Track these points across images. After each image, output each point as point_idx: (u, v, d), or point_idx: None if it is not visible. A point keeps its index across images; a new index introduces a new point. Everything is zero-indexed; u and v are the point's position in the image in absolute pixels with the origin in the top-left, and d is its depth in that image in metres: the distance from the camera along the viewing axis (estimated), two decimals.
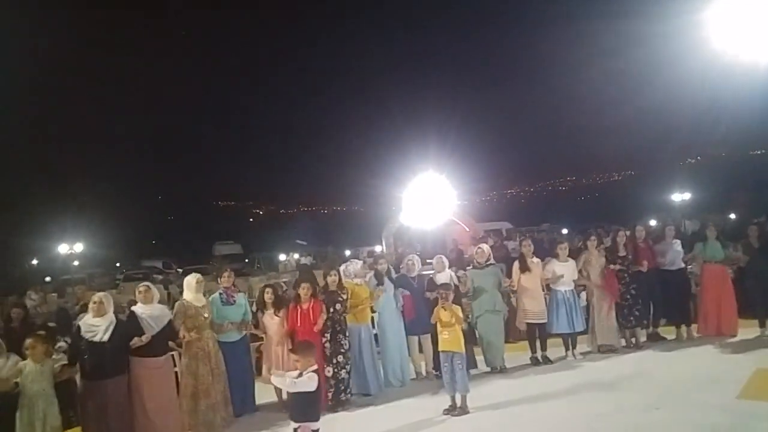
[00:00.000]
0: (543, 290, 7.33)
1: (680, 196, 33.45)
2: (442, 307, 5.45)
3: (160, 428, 5.18)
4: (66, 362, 5.16)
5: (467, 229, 15.97)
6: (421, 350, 6.96)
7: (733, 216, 16.36)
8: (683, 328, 7.74)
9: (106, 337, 4.94)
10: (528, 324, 7.23)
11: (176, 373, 5.96)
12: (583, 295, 7.91)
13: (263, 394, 6.21)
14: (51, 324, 8.63)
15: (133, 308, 5.44)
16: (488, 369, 6.86)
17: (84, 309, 6.57)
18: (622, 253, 7.60)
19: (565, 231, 21.55)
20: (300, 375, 4.06)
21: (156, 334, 5.25)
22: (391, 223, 16.79)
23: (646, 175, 72.64)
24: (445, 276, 7.00)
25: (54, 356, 5.22)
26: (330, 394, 5.84)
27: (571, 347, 7.25)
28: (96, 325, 4.98)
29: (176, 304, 5.98)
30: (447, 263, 7.28)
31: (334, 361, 5.92)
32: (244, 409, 5.91)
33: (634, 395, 5.48)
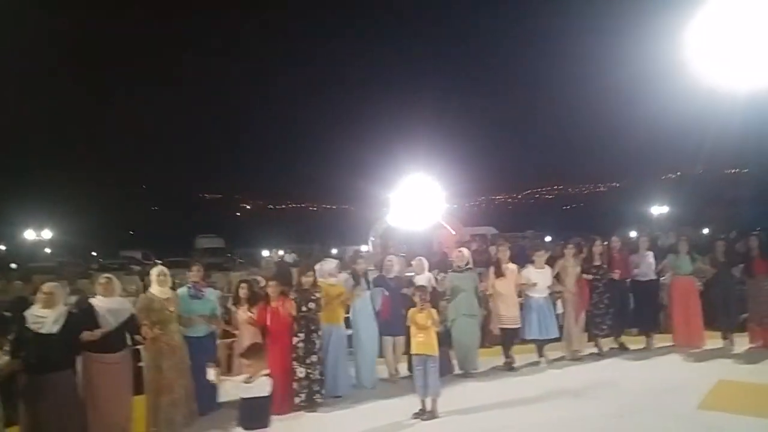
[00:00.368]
0: (518, 296, 7.40)
1: (659, 209, 34.20)
2: (419, 310, 5.50)
3: (111, 426, 5.04)
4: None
5: (453, 233, 16.08)
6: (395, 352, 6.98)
7: (706, 231, 16.77)
8: (652, 336, 7.97)
9: (54, 329, 4.69)
10: (502, 329, 7.33)
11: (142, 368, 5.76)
12: (560, 302, 8.00)
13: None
14: (6, 313, 8.17)
15: (91, 300, 5.23)
16: (461, 372, 6.93)
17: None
18: (597, 262, 7.80)
19: (548, 238, 21.77)
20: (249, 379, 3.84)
21: (114, 328, 5.06)
22: (379, 224, 16.83)
23: (629, 188, 73.81)
24: (424, 278, 7.06)
25: (5, 348, 4.94)
26: (303, 395, 5.81)
27: (543, 353, 7.37)
28: (43, 317, 4.72)
29: (140, 297, 5.84)
30: (427, 265, 7.32)
31: (308, 361, 5.85)
32: (209, 406, 5.70)
33: (600, 403, 5.60)
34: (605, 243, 8.25)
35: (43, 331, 4.67)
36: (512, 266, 7.40)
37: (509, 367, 7.14)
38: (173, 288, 6.00)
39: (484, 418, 5.37)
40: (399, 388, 6.38)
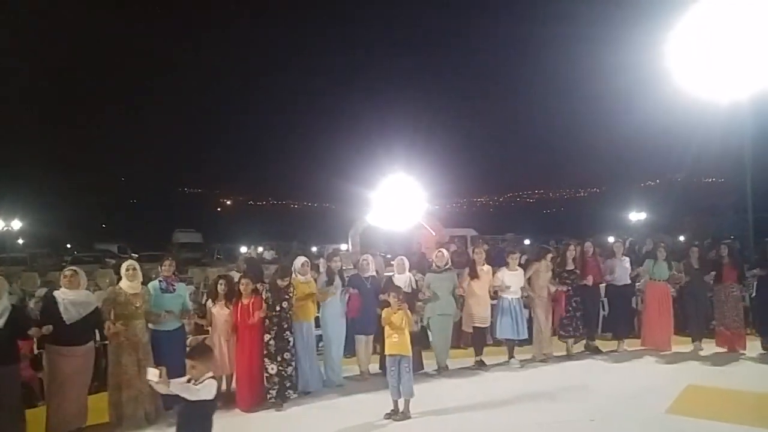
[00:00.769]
0: (491, 297, 7.51)
1: (637, 216, 34.88)
2: (394, 310, 5.45)
3: (71, 419, 5.03)
4: None
5: (433, 234, 16.11)
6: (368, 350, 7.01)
7: (682, 238, 17.13)
8: (623, 340, 8.14)
9: None
10: (474, 327, 7.45)
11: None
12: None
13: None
14: None
15: (54, 293, 5.18)
16: (433, 370, 7.05)
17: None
18: (570, 267, 7.94)
19: (527, 242, 21.96)
20: (190, 382, 3.50)
21: (76, 321, 5.04)
22: (359, 223, 16.80)
23: (609, 194, 75.06)
24: (404, 278, 7.10)
25: None
26: (274, 392, 5.85)
27: (513, 354, 7.48)
28: None
29: (108, 290, 5.79)
30: (407, 265, 7.35)
31: (279, 358, 5.90)
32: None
33: (571, 406, 5.63)
34: (578, 247, 8.37)
35: None
36: (487, 268, 7.55)
37: (480, 365, 7.27)
38: (144, 283, 5.90)
39: (457, 420, 5.36)
40: (371, 387, 6.36)
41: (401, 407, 5.40)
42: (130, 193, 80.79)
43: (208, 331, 6.38)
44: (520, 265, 7.73)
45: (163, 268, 6.05)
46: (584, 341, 8.15)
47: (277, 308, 5.97)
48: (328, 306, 6.66)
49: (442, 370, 7.11)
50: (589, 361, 7.66)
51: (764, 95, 12.34)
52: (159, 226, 43.16)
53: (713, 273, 8.06)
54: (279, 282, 6.08)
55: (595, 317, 8.43)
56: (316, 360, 6.43)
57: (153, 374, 3.40)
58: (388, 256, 11.71)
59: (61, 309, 5.00)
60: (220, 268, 15.75)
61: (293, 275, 6.36)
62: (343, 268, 7.86)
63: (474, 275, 7.43)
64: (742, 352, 7.85)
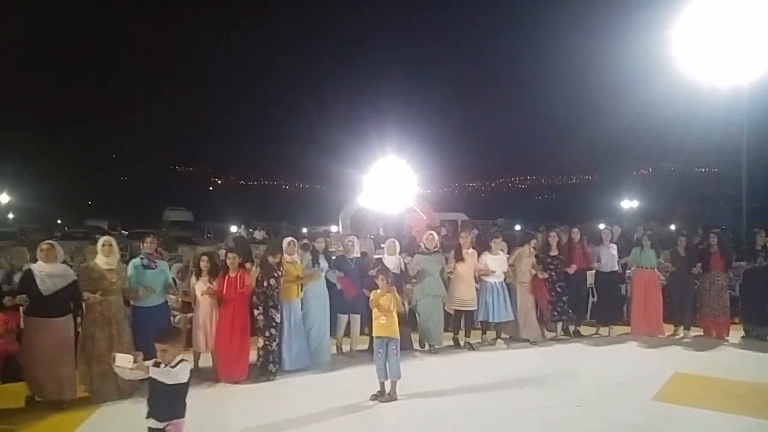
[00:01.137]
0: (476, 280, 7.63)
1: (629, 203, 35.09)
2: (383, 293, 5.38)
3: (49, 391, 5.04)
4: None
5: (424, 217, 16.09)
6: (349, 329, 7.15)
7: (673, 227, 17.19)
8: (612, 327, 8.26)
9: None
10: (456, 310, 7.53)
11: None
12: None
13: None
14: None
15: (32, 266, 5.21)
16: (424, 349, 7.22)
17: None
18: (554, 252, 8.05)
19: (518, 227, 22.00)
20: (159, 365, 3.34)
21: (53, 293, 5.05)
22: (350, 205, 16.72)
23: (601, 181, 75.35)
24: (393, 260, 7.22)
25: None
26: (259, 364, 6.04)
27: (496, 335, 7.66)
28: None
29: (81, 266, 5.77)
30: (398, 248, 7.47)
31: (267, 333, 6.05)
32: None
33: (559, 391, 5.62)
34: (565, 233, 8.45)
35: None
36: (472, 251, 7.66)
37: (458, 344, 7.48)
38: (127, 260, 5.96)
39: (444, 403, 5.32)
40: (357, 367, 6.37)
41: (388, 389, 5.36)
42: (121, 170, 79.96)
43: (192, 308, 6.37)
44: (503, 249, 7.83)
45: (144, 245, 6.07)
46: (568, 326, 8.23)
47: (265, 284, 6.07)
48: (310, 287, 6.65)
49: (433, 350, 7.21)
50: (576, 347, 7.69)
51: (763, 82, 12.29)
52: (150, 204, 42.80)
53: (699, 264, 8.13)
54: (270, 258, 6.15)
55: (582, 303, 8.51)
56: (303, 339, 6.45)
57: (124, 360, 3.19)
58: (373, 236, 11.67)
59: (38, 281, 5.03)
60: (210, 247, 15.61)
61: (283, 255, 6.38)
62: (335, 249, 7.94)
63: (459, 258, 7.51)
64: (726, 338, 7.96)
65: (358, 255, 7.39)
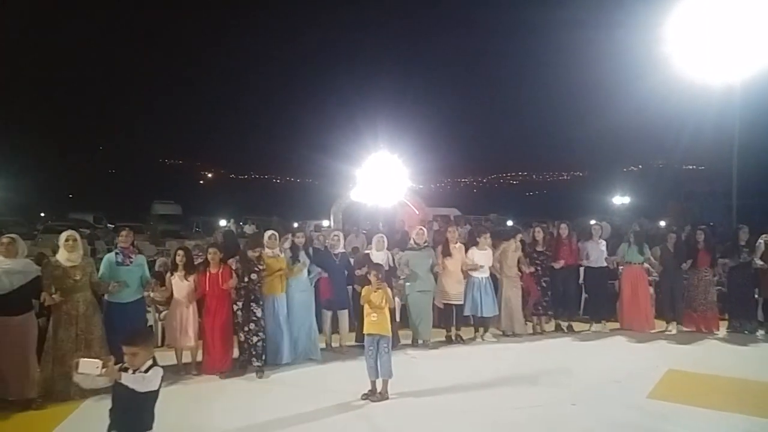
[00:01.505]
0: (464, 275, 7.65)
1: (621, 200, 35.42)
2: (374, 289, 5.26)
3: (11, 390, 4.81)
4: None
5: (417, 212, 16.03)
6: (335, 325, 7.10)
7: (663, 223, 17.27)
8: (601, 322, 8.29)
9: None
10: (445, 304, 7.56)
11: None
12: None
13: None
14: None
15: None
16: (417, 344, 7.20)
17: None
18: (540, 248, 8.15)
19: (510, 222, 22.01)
20: (127, 371, 2.93)
21: (11, 291, 4.79)
22: (342, 200, 16.58)
23: (591, 178, 75.83)
24: (381, 255, 7.17)
25: None
26: (243, 358, 6.01)
27: (481, 330, 7.67)
28: None
29: (43, 262, 5.51)
30: (386, 243, 7.42)
31: (246, 328, 6.00)
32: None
33: (553, 390, 5.52)
34: (553, 228, 8.45)
35: None
36: (459, 246, 7.72)
37: (451, 340, 7.49)
38: (99, 255, 5.69)
39: (437, 402, 5.20)
40: (347, 367, 6.22)
41: (379, 388, 5.23)
42: (108, 163, 79.08)
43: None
44: (489, 245, 7.87)
45: (119, 238, 5.87)
46: (555, 321, 8.30)
47: (246, 279, 6.01)
48: (294, 281, 6.57)
49: (425, 345, 7.21)
50: (569, 343, 7.66)
51: (755, 80, 12.29)
52: (137, 197, 42.31)
53: (690, 261, 8.16)
54: (250, 253, 6.09)
55: (573, 299, 8.55)
56: (288, 334, 6.38)
57: (90, 366, 2.79)
58: (365, 231, 11.58)
59: None
60: (198, 241, 15.41)
61: (265, 249, 6.34)
62: (320, 243, 7.87)
63: (447, 253, 7.53)
64: (715, 332, 8.07)
65: (343, 250, 7.38)
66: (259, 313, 6.06)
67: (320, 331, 7.11)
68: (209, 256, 6.04)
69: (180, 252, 6.18)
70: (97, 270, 5.60)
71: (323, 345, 6.98)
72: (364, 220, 14.73)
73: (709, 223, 13.10)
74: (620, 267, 8.76)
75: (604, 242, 8.51)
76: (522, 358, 6.82)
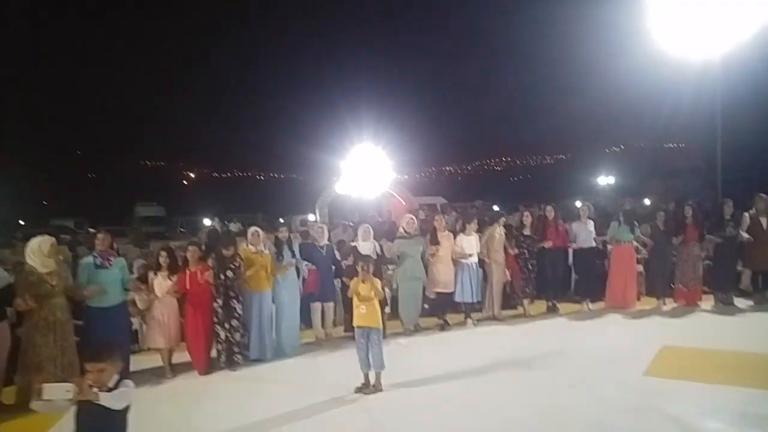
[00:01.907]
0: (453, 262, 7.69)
1: (605, 180, 35.82)
2: (362, 280, 5.14)
3: None
4: None
5: (403, 203, 15.94)
6: (324, 318, 7.13)
7: (647, 201, 17.42)
8: (587, 302, 8.34)
9: None
10: (437, 293, 7.58)
11: None
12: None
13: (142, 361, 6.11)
14: None
15: None
16: (408, 331, 7.25)
17: None
18: (527, 232, 8.21)
19: (496, 208, 22.03)
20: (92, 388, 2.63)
21: None
22: (326, 193, 16.41)
23: (575, 160, 76.46)
24: (368, 246, 7.15)
25: None
26: (224, 356, 6.00)
27: (472, 316, 7.69)
28: None
29: (17, 269, 5.46)
30: (372, 233, 7.41)
31: (227, 325, 6.01)
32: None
33: (548, 373, 5.46)
34: (540, 213, 8.51)
35: None
36: (447, 233, 7.72)
37: (442, 327, 7.48)
38: (76, 257, 5.57)
39: (432, 391, 5.10)
40: (340, 361, 6.11)
41: (372, 380, 5.13)
42: (88, 168, 77.80)
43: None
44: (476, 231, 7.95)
45: (96, 242, 5.76)
46: (548, 303, 8.36)
47: (222, 277, 6.02)
48: (280, 278, 6.57)
49: (415, 331, 7.28)
50: (561, 324, 7.65)
51: (735, 53, 12.30)
52: (120, 201, 41.61)
53: (681, 236, 8.27)
54: (224, 251, 6.11)
55: (561, 281, 8.61)
56: (273, 330, 6.41)
57: (58, 391, 2.48)
58: (352, 224, 11.47)
59: None
60: (183, 242, 15.16)
61: (248, 246, 6.37)
62: (311, 237, 7.85)
63: (435, 241, 7.53)
64: (698, 303, 8.23)
65: (328, 243, 7.40)
66: (240, 310, 6.08)
67: (308, 324, 7.16)
68: (188, 255, 6.03)
69: (163, 252, 6.11)
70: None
71: (313, 339, 6.98)
72: (350, 212, 14.60)
73: (692, 200, 13.21)
74: (608, 246, 8.80)
75: (592, 222, 8.55)
76: (515, 343, 6.76)
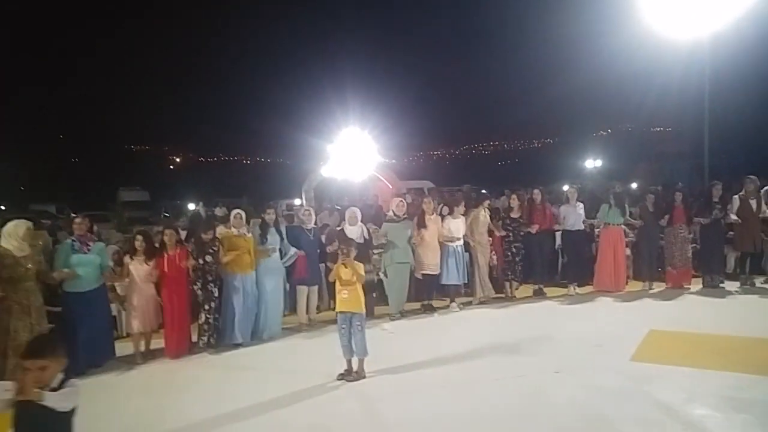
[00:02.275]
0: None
1: (593, 163, 35.97)
2: (343, 264, 4.98)
3: None
4: None
5: (390, 186, 15.81)
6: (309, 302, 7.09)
7: (634, 185, 17.48)
8: (572, 287, 8.30)
9: None
10: (423, 274, 7.57)
11: None
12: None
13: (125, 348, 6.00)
14: None
15: None
16: (394, 317, 7.17)
17: None
18: (515, 215, 8.15)
19: (483, 191, 21.97)
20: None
21: None
22: (313, 177, 16.21)
23: (562, 144, 76.70)
24: (356, 229, 7.05)
25: None
26: (205, 338, 6.07)
27: (454, 299, 7.66)
28: None
29: None
30: (359, 216, 7.32)
31: (206, 307, 6.07)
32: (102, 358, 5.61)
33: (535, 358, 5.37)
34: (527, 195, 8.55)
35: None
36: (435, 217, 7.67)
37: (426, 309, 7.49)
38: (57, 242, 5.88)
39: (416, 377, 4.98)
40: (323, 347, 5.97)
41: (355, 367, 5.00)
42: (71, 152, 76.42)
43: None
44: (462, 214, 7.93)
45: (74, 226, 5.72)
46: (535, 287, 8.32)
47: (201, 261, 6.03)
48: (265, 261, 6.50)
49: (400, 316, 7.23)
50: (549, 310, 7.55)
51: (724, 34, 12.19)
52: (104, 186, 40.92)
53: (667, 217, 8.29)
54: (203, 236, 6.12)
55: (548, 264, 8.61)
56: (255, 312, 6.37)
57: None
58: (339, 207, 11.29)
59: None
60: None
61: (231, 229, 6.34)
62: (299, 220, 7.79)
63: (422, 224, 7.50)
64: (687, 286, 8.26)
65: (315, 226, 7.36)
66: (216, 293, 6.10)
67: (293, 308, 7.11)
68: (165, 238, 5.98)
69: (139, 236, 6.01)
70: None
71: (295, 323, 6.94)
72: (336, 195, 14.42)
73: (679, 183, 13.22)
74: (597, 229, 8.73)
75: (581, 205, 8.48)
76: (501, 327, 6.67)
